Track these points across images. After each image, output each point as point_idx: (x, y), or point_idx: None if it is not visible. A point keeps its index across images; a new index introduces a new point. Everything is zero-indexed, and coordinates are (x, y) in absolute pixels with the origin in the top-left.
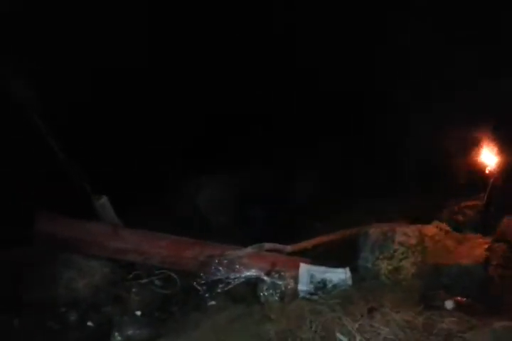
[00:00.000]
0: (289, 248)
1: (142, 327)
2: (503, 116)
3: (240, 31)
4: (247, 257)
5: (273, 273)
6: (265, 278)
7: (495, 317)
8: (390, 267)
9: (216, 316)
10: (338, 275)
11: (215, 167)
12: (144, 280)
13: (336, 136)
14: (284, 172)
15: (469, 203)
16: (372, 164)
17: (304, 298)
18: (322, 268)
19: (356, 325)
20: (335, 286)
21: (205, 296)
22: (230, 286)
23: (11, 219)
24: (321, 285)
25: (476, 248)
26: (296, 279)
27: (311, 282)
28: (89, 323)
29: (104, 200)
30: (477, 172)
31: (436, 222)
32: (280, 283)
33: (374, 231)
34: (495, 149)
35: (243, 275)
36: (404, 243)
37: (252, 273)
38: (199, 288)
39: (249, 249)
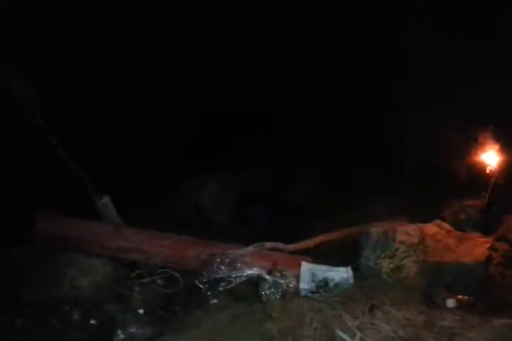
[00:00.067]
0: (290, 247)
1: (145, 326)
2: (504, 115)
3: (240, 31)
4: (248, 256)
5: (275, 272)
6: (267, 276)
7: (496, 315)
8: (391, 266)
9: (218, 314)
10: (340, 274)
11: (215, 167)
12: (147, 279)
13: (335, 136)
14: (284, 172)
15: (471, 202)
16: (373, 164)
17: (305, 296)
18: (324, 267)
19: (357, 323)
20: (337, 285)
21: (207, 295)
22: (231, 285)
23: (12, 219)
24: (323, 284)
25: (477, 247)
26: (297, 278)
27: (313, 281)
28: (92, 322)
29: (106, 200)
30: (478, 171)
31: (437, 221)
32: (282, 281)
33: (375, 230)
34: (496, 148)
35: (245, 274)
36: (405, 242)
37: (253, 271)
38: (201, 286)
39: (250, 248)
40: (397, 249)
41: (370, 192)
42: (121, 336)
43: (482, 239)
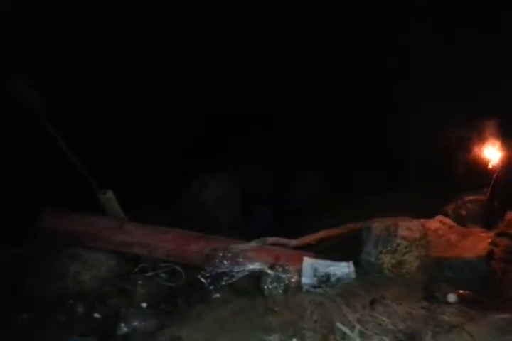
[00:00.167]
0: (293, 242)
1: (148, 319)
2: (504, 114)
3: (240, 32)
4: (251, 251)
5: (277, 267)
6: (269, 271)
7: (496, 310)
8: (393, 261)
9: (220, 308)
10: (342, 269)
11: (217, 165)
12: (150, 273)
13: (335, 136)
14: (284, 170)
15: (473, 198)
16: (373, 163)
17: (307, 291)
18: (326, 262)
19: (357, 316)
20: (338, 280)
21: (209, 289)
22: (234, 279)
23: (18, 215)
24: (325, 279)
25: (479, 242)
26: (299, 273)
27: (315, 275)
28: (96, 315)
29: (109, 194)
30: (480, 167)
31: (439, 216)
32: (284, 276)
33: (377, 225)
34: (498, 144)
35: (247, 269)
36: (407, 237)
37: (256, 266)
38: (204, 280)
39: (253, 243)
40: (398, 244)
41: (372, 191)
42: (125, 329)
43: (484, 235)
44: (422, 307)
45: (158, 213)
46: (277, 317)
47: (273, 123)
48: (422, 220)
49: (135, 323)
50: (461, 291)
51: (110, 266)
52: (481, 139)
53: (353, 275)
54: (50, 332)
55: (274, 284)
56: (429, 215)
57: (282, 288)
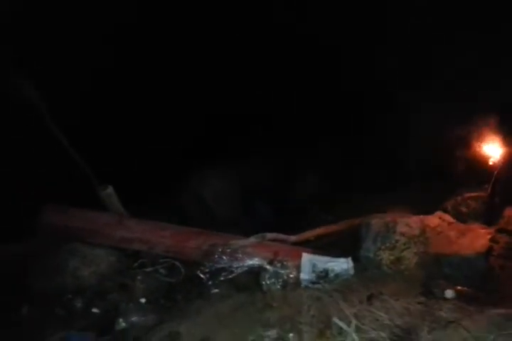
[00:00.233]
0: (292, 238)
1: (147, 314)
2: (504, 112)
3: (240, 32)
4: (250, 246)
5: (275, 262)
6: (268, 267)
7: (494, 306)
8: (391, 257)
9: (219, 304)
10: (341, 265)
11: (217, 166)
12: (149, 269)
13: (336, 136)
14: (284, 168)
15: (473, 194)
16: (373, 163)
17: (306, 286)
18: (324, 258)
19: (354, 311)
20: (337, 276)
21: (208, 284)
22: (233, 275)
23: (19, 213)
24: (323, 275)
25: (478, 238)
26: (298, 268)
27: (313, 271)
28: (95, 310)
29: (110, 190)
30: (481, 164)
31: (439, 213)
32: (282, 272)
33: (376, 221)
34: (498, 141)
35: (246, 264)
36: (406, 233)
37: (254, 262)
38: (203, 276)
39: (252, 239)
40: (397, 241)
41: (371, 191)
42: (123, 324)
43: (483, 231)
44: (420, 303)
45: (161, 207)
46: (276, 313)
47: (273, 123)
48: (421, 217)
49: (134, 318)
50: (459, 287)
51: (110, 262)
52: (482, 136)
53: (352, 271)
54: (49, 327)
55: (273, 280)
56: (429, 213)
57: (281, 283)
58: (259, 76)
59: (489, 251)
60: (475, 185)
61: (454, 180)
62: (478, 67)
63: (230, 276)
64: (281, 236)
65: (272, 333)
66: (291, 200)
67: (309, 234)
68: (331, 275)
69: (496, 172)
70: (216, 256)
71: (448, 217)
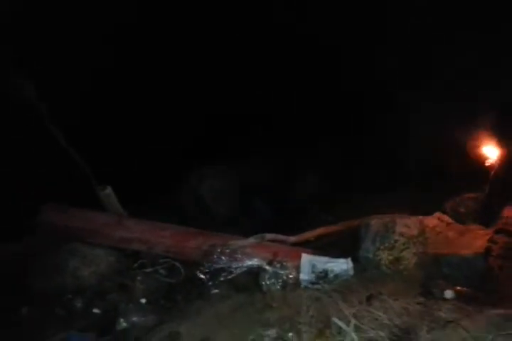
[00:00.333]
0: (291, 238)
1: (147, 315)
2: (503, 112)
3: (240, 32)
4: (249, 247)
5: (275, 263)
6: (267, 267)
7: (493, 306)
8: (390, 257)
9: (219, 304)
10: (340, 266)
11: (217, 166)
12: (149, 269)
13: (336, 135)
14: (284, 168)
15: (471, 195)
16: (373, 161)
17: (305, 287)
18: (324, 259)
19: (353, 311)
20: (336, 276)
21: (208, 285)
22: (232, 275)
23: (19, 213)
24: (323, 275)
25: (477, 239)
26: (297, 269)
27: (313, 272)
28: (95, 310)
29: (109, 190)
30: (479, 164)
31: (438, 214)
32: (282, 272)
33: (375, 222)
34: (497, 141)
35: (245, 265)
36: (405, 234)
37: (254, 262)
38: (202, 276)
39: (251, 239)
40: (396, 241)
41: (371, 191)
42: (124, 324)
43: (482, 232)
44: (419, 303)
45: (160, 207)
46: (275, 313)
47: (273, 123)
48: (420, 217)
49: (134, 319)
50: (458, 288)
51: (109, 262)
52: (481, 137)
53: (351, 272)
54: (49, 327)
55: (273, 280)
56: (428, 213)
57: (280, 284)
58: (259, 76)
59: (488, 251)
60: (473, 186)
61: (453, 180)
62: (478, 67)
63: (230, 277)
64: (281, 236)
65: (272, 332)
66: (291, 200)
67: (309, 235)
68: (331, 275)
69: (493, 172)
70: (215, 256)
71: (447, 218)
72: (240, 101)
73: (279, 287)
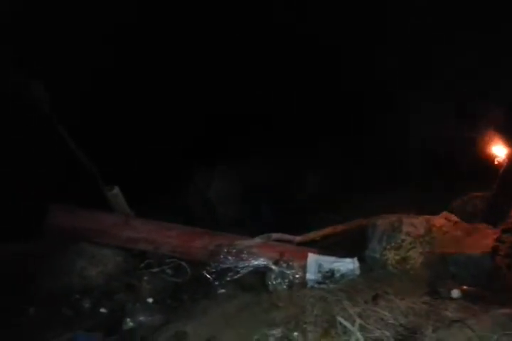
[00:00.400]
0: (297, 238)
1: (153, 314)
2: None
3: (240, 32)
4: (255, 247)
5: (281, 263)
6: (273, 267)
7: (499, 305)
8: (397, 257)
9: (225, 304)
10: (346, 265)
11: (217, 166)
12: (156, 269)
13: (336, 135)
14: (287, 168)
15: (478, 194)
16: (373, 161)
17: (312, 287)
18: (330, 258)
19: (358, 310)
20: (343, 276)
21: (214, 284)
22: (239, 275)
23: (22, 213)
24: (329, 275)
25: (484, 238)
26: (304, 269)
27: (319, 271)
28: (102, 310)
29: (116, 190)
30: (487, 163)
31: (445, 213)
32: (288, 272)
33: (382, 222)
34: (502, 140)
35: (252, 265)
36: (411, 233)
37: (260, 262)
38: (209, 276)
39: (257, 239)
40: (403, 241)
41: (372, 190)
42: (130, 324)
43: (489, 231)
44: (425, 303)
45: (167, 209)
46: (281, 313)
47: (273, 123)
48: (427, 217)
49: (141, 318)
50: (465, 287)
51: (117, 262)
52: (482, 136)
53: (358, 272)
54: (56, 327)
55: (279, 280)
56: (434, 212)
57: (287, 283)
58: (259, 76)
59: (495, 250)
60: (480, 185)
61: (457, 180)
62: (478, 67)
63: (236, 276)
64: (287, 236)
65: (277, 332)
66: (292, 200)
67: (315, 235)
68: (337, 275)
69: (501, 171)
70: (222, 256)
71: (454, 217)
72: (240, 101)
73: (285, 287)
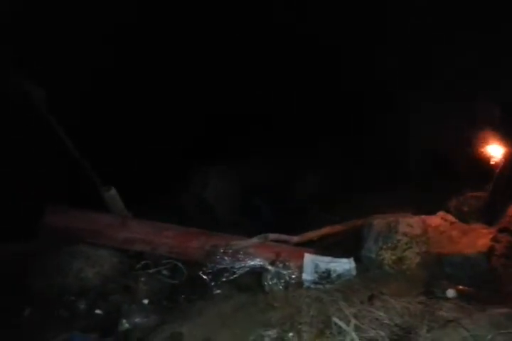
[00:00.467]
0: (294, 239)
1: (149, 315)
2: (505, 112)
3: (241, 32)
4: (252, 247)
5: (277, 263)
6: (270, 267)
7: (495, 305)
8: (393, 257)
9: (222, 304)
10: (343, 266)
11: (217, 166)
12: (152, 270)
13: (336, 136)
14: (285, 168)
15: (475, 194)
16: (373, 161)
17: (308, 287)
18: (326, 259)
19: (354, 310)
20: (339, 276)
21: (211, 285)
22: (235, 275)
23: (20, 214)
24: (326, 275)
25: (480, 238)
26: (300, 269)
27: (316, 272)
28: (98, 311)
29: (113, 191)
30: (483, 163)
31: (441, 213)
32: (284, 272)
33: (378, 222)
34: (499, 141)
35: (248, 265)
36: (407, 233)
37: (256, 262)
38: (205, 277)
39: (254, 239)
40: (399, 241)
41: (372, 190)
42: (126, 325)
43: (485, 231)
44: (420, 303)
45: (159, 212)
46: (277, 313)
47: (273, 123)
48: (423, 216)
49: (136, 319)
50: (460, 287)
51: (113, 263)
52: (482, 136)
53: (354, 272)
54: (52, 328)
55: (275, 280)
56: (429, 212)
57: (283, 284)
58: (259, 76)
59: (491, 250)
60: (476, 185)
61: (454, 179)
62: (478, 67)
63: (232, 277)
64: (284, 236)
65: (272, 333)
66: (291, 200)
67: (311, 235)
68: (333, 275)
69: (497, 171)
70: (218, 256)
71: (450, 217)
72: (240, 101)
73: (281, 287)
